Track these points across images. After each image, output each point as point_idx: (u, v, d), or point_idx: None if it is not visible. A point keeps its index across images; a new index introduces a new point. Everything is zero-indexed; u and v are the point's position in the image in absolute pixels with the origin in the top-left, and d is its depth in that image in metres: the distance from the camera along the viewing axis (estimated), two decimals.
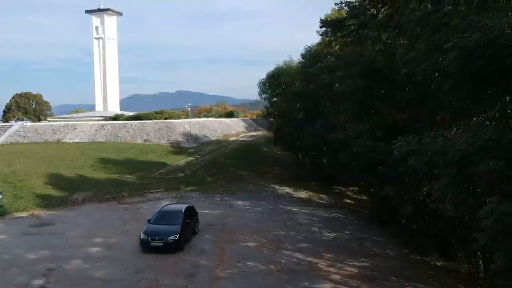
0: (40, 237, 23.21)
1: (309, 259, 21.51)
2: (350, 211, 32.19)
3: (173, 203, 25.33)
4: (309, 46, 43.29)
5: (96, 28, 77.88)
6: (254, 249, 22.37)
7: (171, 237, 21.49)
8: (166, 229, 21.86)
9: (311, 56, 41.68)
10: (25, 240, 22.84)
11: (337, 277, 19.63)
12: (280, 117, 46.45)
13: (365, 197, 35.51)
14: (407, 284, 19.45)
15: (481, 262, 20.47)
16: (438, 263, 22.40)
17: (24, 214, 27.39)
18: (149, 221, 22.80)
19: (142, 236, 21.78)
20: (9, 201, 29.04)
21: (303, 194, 35.77)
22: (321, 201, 34.80)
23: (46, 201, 29.61)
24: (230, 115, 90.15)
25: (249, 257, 21.23)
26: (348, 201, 36.31)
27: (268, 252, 22.02)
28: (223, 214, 28.49)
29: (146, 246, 21.46)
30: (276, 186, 37.15)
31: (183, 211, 23.56)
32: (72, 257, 20.54)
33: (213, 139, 56.52)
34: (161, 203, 30.18)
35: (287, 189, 36.60)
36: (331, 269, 20.55)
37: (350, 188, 38.43)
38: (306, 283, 18.68)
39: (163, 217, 22.95)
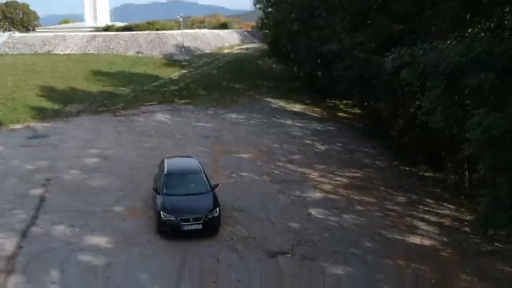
0: (37, 149, 23.56)
1: (301, 170, 22.12)
2: (343, 124, 32.50)
3: (170, 157, 18.58)
4: None
5: None
6: (248, 161, 22.89)
7: (212, 213, 15.09)
8: (197, 202, 15.48)
9: None
10: (22, 151, 23.19)
11: (328, 187, 20.34)
12: (275, 28, 45.31)
13: (358, 111, 35.68)
14: (395, 193, 20.20)
15: (467, 173, 21.10)
16: (427, 174, 23.09)
17: (19, 126, 27.51)
18: (157, 190, 15.89)
19: (165, 216, 14.77)
20: (3, 112, 29.05)
21: (297, 107, 35.88)
22: (314, 114, 34.98)
23: (40, 113, 29.63)
24: (223, 26, 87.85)
25: (243, 168, 21.80)
26: (342, 114, 36.51)
27: (262, 164, 22.57)
28: (217, 126, 28.76)
29: (175, 232, 14.76)
30: (270, 100, 37.15)
31: (200, 168, 17.22)
32: (69, 167, 21.02)
33: (207, 51, 55.49)
34: (155, 116, 30.38)
35: (281, 103, 36.65)
36: (322, 179, 21.22)
37: (344, 101, 38.49)
38: (298, 192, 19.38)
39: (178, 183, 16.08)
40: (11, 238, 14.71)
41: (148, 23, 65.13)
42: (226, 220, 15.88)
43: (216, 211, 15.24)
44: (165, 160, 17.86)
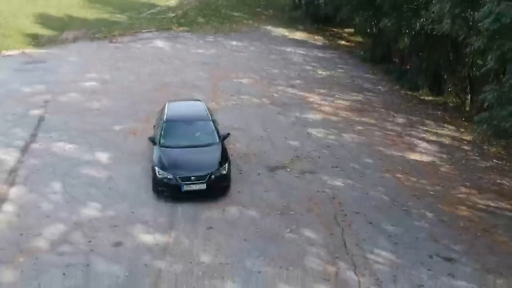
0: (34, 73, 23.15)
1: (301, 93, 21.95)
2: (345, 52, 31.93)
3: (173, 101, 16.04)
4: None
5: None
6: (248, 85, 22.64)
7: (219, 170, 12.58)
8: (201, 157, 12.97)
9: None
10: (19, 76, 22.83)
11: (328, 109, 20.25)
12: None
13: (360, 39, 35.00)
14: (395, 115, 20.12)
15: (469, 95, 20.93)
16: (428, 98, 22.92)
17: (14, 52, 26.94)
18: (154, 141, 13.39)
19: (161, 174, 12.33)
20: None
21: (297, 35, 35.12)
22: (316, 42, 34.29)
23: (36, 40, 29.01)
24: None
25: (243, 92, 21.61)
26: (343, 42, 35.78)
27: (262, 88, 22.34)
28: (217, 53, 28.19)
29: (175, 193, 12.27)
30: (271, 28, 36.28)
31: (208, 114, 14.57)
32: (67, 90, 20.79)
33: None
34: (152, 43, 29.74)
35: (282, 31, 35.82)
36: (323, 102, 21.10)
37: (346, 29, 37.66)
38: (297, 114, 19.31)
39: (180, 132, 13.56)
40: (12, 153, 14.81)
41: None
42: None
43: (225, 168, 12.69)
44: (167, 104, 15.11)
